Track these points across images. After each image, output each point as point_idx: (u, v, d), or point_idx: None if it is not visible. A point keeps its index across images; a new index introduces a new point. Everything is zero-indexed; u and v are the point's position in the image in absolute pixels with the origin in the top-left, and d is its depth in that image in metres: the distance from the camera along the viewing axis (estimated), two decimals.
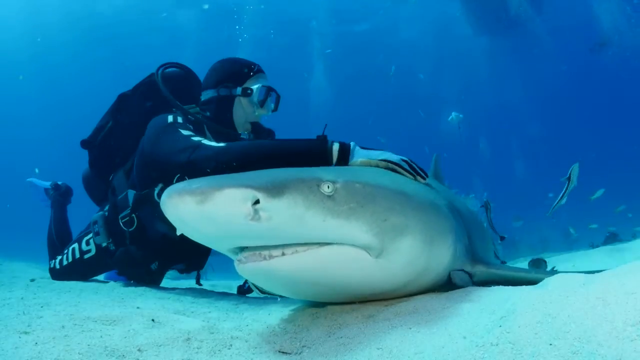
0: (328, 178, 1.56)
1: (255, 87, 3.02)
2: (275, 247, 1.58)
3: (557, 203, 4.39)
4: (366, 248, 1.58)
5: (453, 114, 12.34)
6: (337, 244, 1.56)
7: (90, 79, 30.61)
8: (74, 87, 31.85)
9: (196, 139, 2.52)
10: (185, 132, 2.62)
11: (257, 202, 1.44)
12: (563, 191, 4.31)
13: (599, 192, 10.17)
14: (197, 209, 1.43)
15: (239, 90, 3.01)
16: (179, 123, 2.75)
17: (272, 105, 3.16)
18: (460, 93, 27.98)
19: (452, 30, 24.69)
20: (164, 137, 2.66)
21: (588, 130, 38.93)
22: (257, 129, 3.08)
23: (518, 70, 29.90)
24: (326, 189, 1.53)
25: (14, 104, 33.42)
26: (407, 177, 2.10)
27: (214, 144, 2.43)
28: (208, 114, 3.04)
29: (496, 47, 24.33)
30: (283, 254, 1.56)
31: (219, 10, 22.31)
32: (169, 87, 3.08)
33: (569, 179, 4.22)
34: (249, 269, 1.63)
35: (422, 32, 25.65)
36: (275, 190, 1.46)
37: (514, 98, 32.25)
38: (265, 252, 1.58)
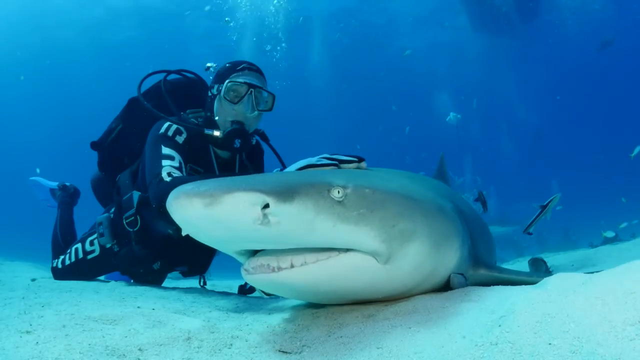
0: (338, 183, 1.54)
1: (227, 84, 2.87)
2: (283, 253, 1.56)
3: (532, 223, 4.61)
4: (374, 254, 1.57)
5: (451, 114, 12.31)
6: (344, 252, 1.55)
7: (90, 80, 30.64)
8: (75, 88, 31.86)
9: (163, 166, 2.68)
10: (164, 151, 2.77)
11: (266, 206, 1.41)
12: (537, 215, 4.55)
13: (638, 149, 10.51)
14: (205, 212, 1.40)
15: (215, 89, 2.97)
16: (168, 136, 2.87)
17: (262, 105, 2.95)
18: (457, 91, 28.02)
19: (449, 25, 24.70)
20: (149, 153, 2.85)
21: (589, 129, 38.88)
22: (239, 128, 2.88)
23: (515, 67, 29.90)
24: (336, 194, 1.51)
25: (15, 104, 33.44)
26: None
27: (165, 178, 2.59)
28: (209, 113, 3.08)
29: (494, 43, 24.37)
30: (292, 265, 1.54)
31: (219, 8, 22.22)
32: (171, 96, 3.13)
33: (545, 206, 4.46)
34: (257, 279, 1.62)
35: (419, 26, 25.63)
36: (286, 195, 1.43)
37: (511, 95, 32.27)
38: (274, 264, 1.56)
